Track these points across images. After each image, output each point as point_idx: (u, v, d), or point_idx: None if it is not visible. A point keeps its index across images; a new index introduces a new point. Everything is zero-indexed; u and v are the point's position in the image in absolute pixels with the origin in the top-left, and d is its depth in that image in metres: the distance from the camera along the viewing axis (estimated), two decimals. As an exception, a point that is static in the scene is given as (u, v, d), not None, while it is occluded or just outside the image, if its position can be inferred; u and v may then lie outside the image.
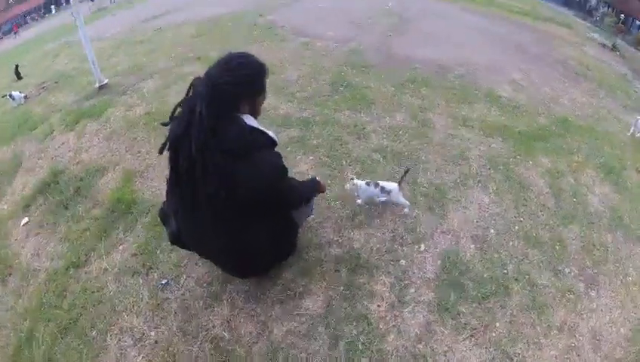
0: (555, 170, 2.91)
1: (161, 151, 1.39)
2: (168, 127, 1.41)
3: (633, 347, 1.94)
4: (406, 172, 2.19)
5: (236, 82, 1.34)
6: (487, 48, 5.24)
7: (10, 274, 2.23)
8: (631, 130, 3.82)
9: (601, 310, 2.07)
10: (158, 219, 1.82)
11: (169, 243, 1.76)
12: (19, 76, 5.89)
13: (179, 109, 1.39)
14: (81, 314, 1.89)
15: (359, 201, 2.25)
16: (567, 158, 3.11)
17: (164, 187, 2.37)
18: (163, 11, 7.70)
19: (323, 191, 1.89)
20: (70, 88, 4.17)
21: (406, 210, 2.27)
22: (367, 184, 2.12)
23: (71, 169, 2.84)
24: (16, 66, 5.96)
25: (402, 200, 2.21)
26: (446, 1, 7.95)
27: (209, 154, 1.28)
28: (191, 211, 1.46)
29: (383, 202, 2.25)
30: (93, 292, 1.97)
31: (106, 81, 3.93)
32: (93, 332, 1.82)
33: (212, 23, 5.89)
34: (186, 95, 1.39)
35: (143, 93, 3.70)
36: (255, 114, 1.49)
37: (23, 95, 4.45)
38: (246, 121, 1.41)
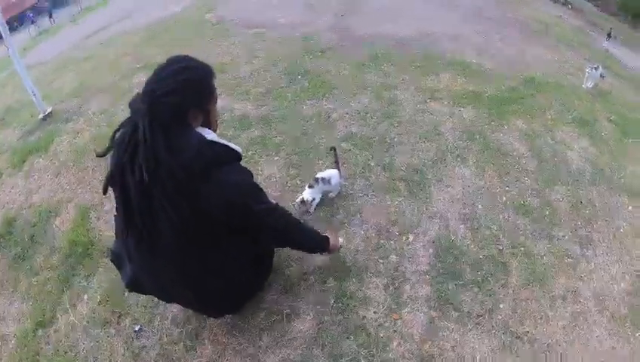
0: (531, 131, 2.87)
1: (104, 191, 1.23)
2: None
3: (636, 300, 1.94)
4: (335, 153, 2.11)
5: (178, 89, 1.17)
6: (445, 17, 5.17)
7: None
8: (585, 84, 3.84)
9: (600, 269, 2.04)
10: (113, 265, 1.61)
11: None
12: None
13: (118, 134, 1.19)
14: (58, 379, 1.70)
15: (311, 210, 2.08)
16: (541, 117, 3.07)
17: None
18: (106, 23, 7.27)
19: (333, 251, 1.70)
20: (15, 123, 3.81)
21: (332, 194, 2.15)
22: (310, 186, 1.98)
23: (23, 215, 2.60)
24: None
25: (338, 187, 2.14)
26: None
27: (169, 176, 1.10)
28: (150, 254, 1.25)
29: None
30: (65, 352, 1.82)
31: (49, 109, 3.61)
32: (72, 396, 1.66)
33: (158, 27, 5.56)
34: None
35: (89, 115, 3.41)
36: (211, 124, 1.31)
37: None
38: (203, 134, 1.22)
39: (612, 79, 4.59)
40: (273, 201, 1.39)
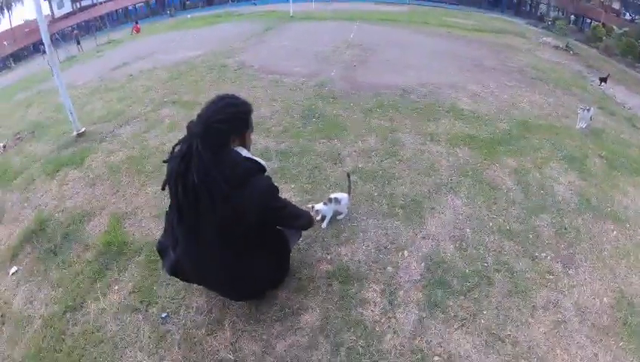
0: (521, 169, 3.34)
1: (163, 187, 1.66)
2: (167, 165, 1.67)
3: (619, 313, 2.20)
4: (349, 178, 2.66)
5: (226, 119, 1.62)
6: (447, 67, 5.92)
7: (4, 324, 2.26)
8: (578, 124, 4.33)
9: (582, 285, 2.35)
10: (156, 252, 2.05)
11: (166, 276, 2.02)
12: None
13: (177, 148, 1.63)
14: (83, 356, 1.97)
15: (324, 225, 2.57)
16: (531, 156, 3.56)
17: (154, 227, 2.66)
18: (132, 58, 8.11)
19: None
20: (47, 138, 4.32)
21: (341, 216, 2.64)
22: (325, 204, 2.51)
23: (56, 216, 2.94)
24: None
25: (346, 209, 2.63)
26: (401, 27, 8.81)
27: (214, 185, 1.51)
28: (195, 243, 1.70)
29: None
30: (92, 332, 2.06)
31: (83, 129, 4.12)
32: (97, 372, 1.90)
33: (183, 66, 6.34)
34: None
35: (122, 138, 3.94)
36: (246, 146, 1.79)
37: (1, 145, 4.51)
38: (240, 152, 1.69)
39: (606, 118, 5.09)
40: (283, 198, 1.86)
